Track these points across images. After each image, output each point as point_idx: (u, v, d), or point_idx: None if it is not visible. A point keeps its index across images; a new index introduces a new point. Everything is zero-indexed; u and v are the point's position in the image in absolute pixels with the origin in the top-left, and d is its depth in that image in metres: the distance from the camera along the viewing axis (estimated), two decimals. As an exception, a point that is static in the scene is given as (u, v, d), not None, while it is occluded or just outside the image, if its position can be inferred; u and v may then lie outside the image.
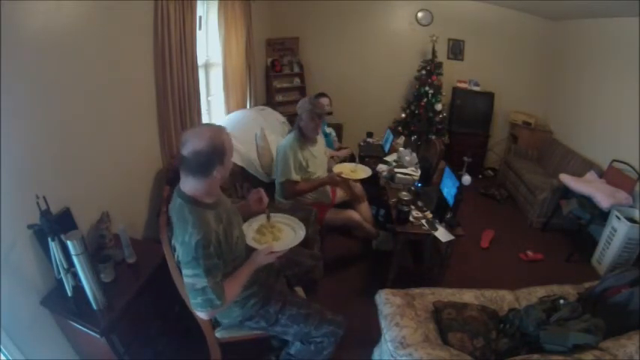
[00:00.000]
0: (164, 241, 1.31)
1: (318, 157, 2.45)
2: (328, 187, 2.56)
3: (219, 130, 1.22)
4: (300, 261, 1.80)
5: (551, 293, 1.73)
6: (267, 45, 4.43)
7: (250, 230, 1.48)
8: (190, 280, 1.18)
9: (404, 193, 2.28)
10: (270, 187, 2.51)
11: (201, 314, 1.24)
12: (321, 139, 2.57)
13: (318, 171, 2.44)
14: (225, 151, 1.21)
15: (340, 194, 2.69)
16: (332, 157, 3.01)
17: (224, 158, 1.20)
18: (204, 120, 2.90)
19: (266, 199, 1.53)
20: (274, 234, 1.47)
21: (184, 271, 1.20)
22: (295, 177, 2.30)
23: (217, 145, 1.17)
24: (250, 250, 1.39)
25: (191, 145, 1.16)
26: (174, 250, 1.26)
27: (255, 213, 1.57)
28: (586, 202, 2.93)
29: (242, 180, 2.62)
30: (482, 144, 4.59)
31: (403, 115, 4.36)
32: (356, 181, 2.57)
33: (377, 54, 4.63)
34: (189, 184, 1.22)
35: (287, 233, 1.49)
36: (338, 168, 2.58)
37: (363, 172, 2.58)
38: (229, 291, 1.26)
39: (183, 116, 2.43)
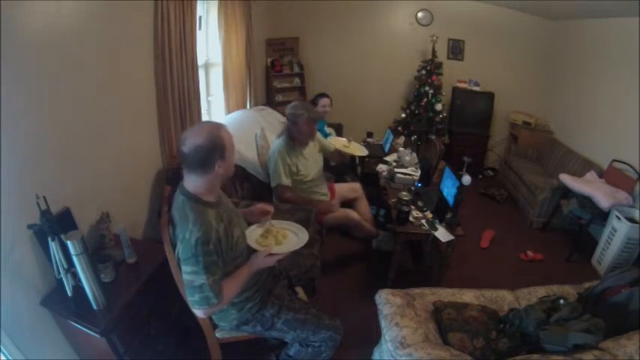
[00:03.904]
0: (166, 241, 1.31)
1: (309, 159, 2.41)
2: (325, 188, 2.55)
3: (217, 126, 1.23)
4: (300, 262, 1.80)
5: (551, 293, 1.73)
6: (267, 45, 4.43)
7: (255, 233, 1.46)
8: (189, 277, 1.19)
9: (404, 193, 2.27)
10: (270, 187, 2.51)
11: (198, 312, 1.25)
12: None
13: (311, 173, 2.42)
14: (225, 146, 1.21)
15: (341, 193, 2.69)
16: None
17: (224, 152, 1.21)
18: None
19: (271, 211, 1.53)
20: (277, 239, 1.45)
21: (183, 268, 1.20)
22: (286, 182, 2.28)
23: (216, 140, 1.18)
24: (252, 252, 1.39)
25: (191, 141, 1.17)
26: (174, 247, 1.26)
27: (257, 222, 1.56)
28: (586, 202, 2.93)
29: (242, 180, 2.62)
30: (482, 144, 4.59)
31: (403, 115, 4.36)
32: (352, 156, 2.51)
33: (377, 54, 4.63)
34: (191, 182, 1.24)
35: (290, 239, 1.48)
36: (332, 141, 2.56)
37: (358, 150, 2.53)
38: (227, 291, 1.26)
39: (183, 116, 2.43)
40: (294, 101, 2.41)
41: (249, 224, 1.52)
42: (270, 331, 1.49)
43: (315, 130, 2.37)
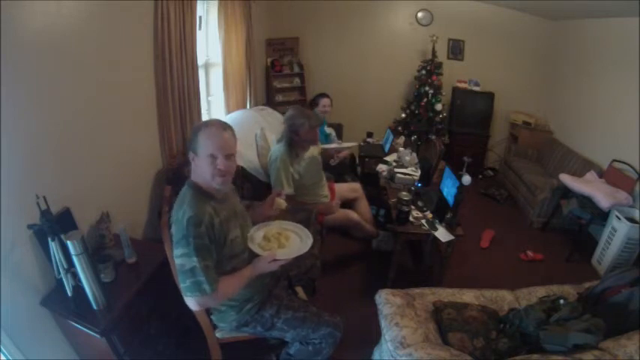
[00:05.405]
0: (166, 241, 1.31)
1: (311, 162, 2.39)
2: (326, 189, 2.55)
3: (211, 123, 1.29)
4: (300, 262, 1.80)
5: (551, 293, 1.73)
6: (267, 45, 4.43)
7: (257, 235, 1.44)
8: (180, 260, 1.18)
9: (404, 193, 2.27)
10: (270, 186, 2.51)
11: (190, 301, 1.21)
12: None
13: (313, 176, 2.40)
14: (197, 142, 1.24)
15: (341, 193, 2.69)
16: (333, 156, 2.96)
17: (196, 148, 1.24)
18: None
19: (283, 192, 1.63)
20: (280, 241, 1.43)
21: (175, 252, 1.20)
22: (288, 190, 2.24)
23: (195, 131, 1.26)
24: (254, 255, 1.37)
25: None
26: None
27: (269, 216, 1.55)
28: (586, 202, 2.93)
29: (242, 180, 2.62)
30: (482, 144, 4.59)
31: (403, 115, 4.36)
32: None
33: (377, 54, 4.63)
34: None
35: (293, 241, 1.46)
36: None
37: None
38: (224, 286, 1.24)
39: (183, 116, 2.43)
40: (289, 109, 2.33)
41: (266, 219, 1.53)
42: (270, 331, 1.49)
43: (317, 135, 2.34)
